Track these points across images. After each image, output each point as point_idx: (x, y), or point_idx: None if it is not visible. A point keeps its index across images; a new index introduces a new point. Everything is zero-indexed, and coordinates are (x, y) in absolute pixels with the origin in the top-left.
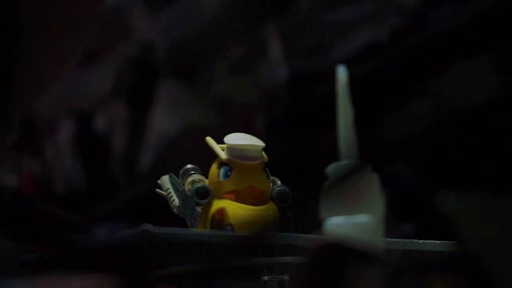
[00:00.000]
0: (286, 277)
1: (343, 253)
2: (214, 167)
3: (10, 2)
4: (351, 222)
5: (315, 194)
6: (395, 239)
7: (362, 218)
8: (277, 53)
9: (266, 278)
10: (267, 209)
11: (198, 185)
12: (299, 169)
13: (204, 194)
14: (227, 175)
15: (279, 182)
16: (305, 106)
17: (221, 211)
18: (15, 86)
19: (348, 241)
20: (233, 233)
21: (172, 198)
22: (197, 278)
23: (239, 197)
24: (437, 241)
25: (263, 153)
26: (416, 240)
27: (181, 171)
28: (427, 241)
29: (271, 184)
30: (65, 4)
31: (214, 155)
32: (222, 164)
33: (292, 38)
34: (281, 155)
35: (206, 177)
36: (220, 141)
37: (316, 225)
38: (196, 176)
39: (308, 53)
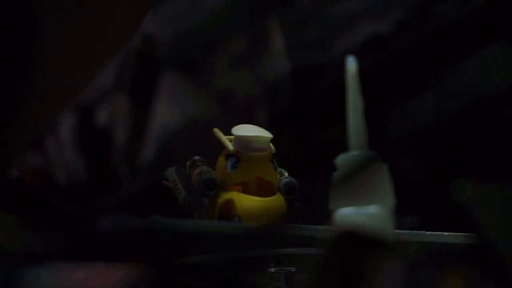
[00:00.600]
0: (293, 269)
1: (361, 243)
2: (221, 158)
3: (31, 9)
4: (361, 213)
5: (323, 186)
6: (410, 231)
7: (372, 209)
8: (279, 46)
9: (272, 270)
10: (274, 201)
11: (206, 176)
12: (306, 160)
13: (211, 186)
14: (234, 166)
15: (286, 174)
16: (308, 98)
17: (229, 202)
18: (31, 94)
19: (365, 231)
20: (241, 224)
21: (179, 190)
22: (203, 269)
23: (246, 189)
24: (454, 233)
25: (271, 144)
26: (431, 232)
27: (188, 163)
28: (443, 233)
29: (279, 176)
30: (91, 18)
31: (217, 148)
32: (229, 155)
33: (294, 31)
34: (287, 147)
35: (213, 169)
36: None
37: (324, 216)
38: (204, 168)
39: (311, 46)
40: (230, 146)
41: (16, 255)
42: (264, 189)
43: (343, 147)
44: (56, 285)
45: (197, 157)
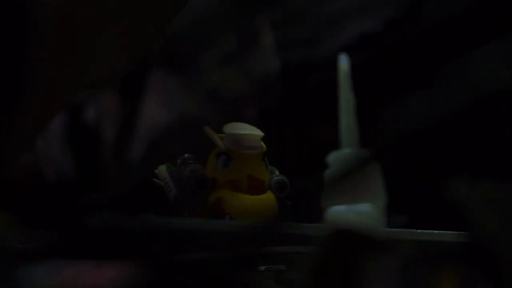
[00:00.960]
0: (283, 267)
1: (354, 241)
2: (212, 156)
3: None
4: (353, 211)
5: (315, 184)
6: (403, 229)
7: (364, 207)
8: (270, 44)
9: (262, 268)
10: (265, 199)
11: (197, 174)
12: (297, 158)
13: (202, 184)
14: (225, 164)
15: (277, 172)
16: (299, 96)
17: (220, 200)
18: (28, 97)
19: (357, 229)
20: (232, 223)
21: (170, 188)
22: (194, 267)
23: (237, 187)
24: (446, 231)
25: (262, 142)
26: (424, 231)
27: (179, 161)
28: (435, 231)
29: (270, 174)
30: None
31: (207, 145)
32: (220, 153)
33: (284, 29)
34: (279, 145)
35: (204, 167)
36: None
37: (316, 214)
38: (195, 166)
39: (301, 44)
40: (221, 144)
41: (8, 253)
42: (255, 187)
43: (335, 145)
44: (48, 284)
45: (187, 155)
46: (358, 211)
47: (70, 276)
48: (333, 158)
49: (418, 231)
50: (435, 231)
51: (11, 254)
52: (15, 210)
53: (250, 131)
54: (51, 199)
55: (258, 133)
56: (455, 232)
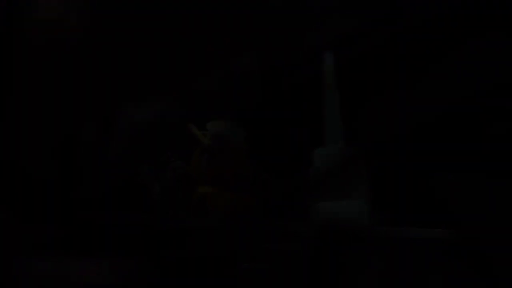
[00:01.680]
0: (266, 264)
1: (340, 238)
2: (196, 154)
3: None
4: (339, 207)
5: (299, 181)
6: (390, 227)
7: (349, 203)
8: (250, 43)
9: (245, 265)
10: (249, 197)
11: (180, 171)
12: (282, 156)
13: (186, 181)
14: (209, 161)
15: (261, 170)
16: (282, 94)
17: (203, 198)
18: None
19: (344, 225)
20: (215, 220)
21: (153, 185)
22: (179, 262)
23: (221, 183)
24: (433, 229)
25: (245, 140)
26: (412, 227)
27: (162, 158)
28: (424, 228)
29: (253, 171)
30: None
31: (190, 143)
32: (204, 151)
33: (264, 28)
34: (262, 143)
35: (187, 164)
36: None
37: (301, 211)
38: (178, 163)
39: (283, 42)
40: (205, 141)
41: (7, 247)
42: (238, 185)
43: (319, 142)
44: (45, 277)
45: (170, 153)
46: (344, 207)
47: (62, 271)
48: (318, 155)
49: (404, 228)
50: (421, 228)
51: (9, 249)
52: (11, 207)
53: (233, 129)
54: (40, 197)
55: (241, 131)
56: (441, 229)
